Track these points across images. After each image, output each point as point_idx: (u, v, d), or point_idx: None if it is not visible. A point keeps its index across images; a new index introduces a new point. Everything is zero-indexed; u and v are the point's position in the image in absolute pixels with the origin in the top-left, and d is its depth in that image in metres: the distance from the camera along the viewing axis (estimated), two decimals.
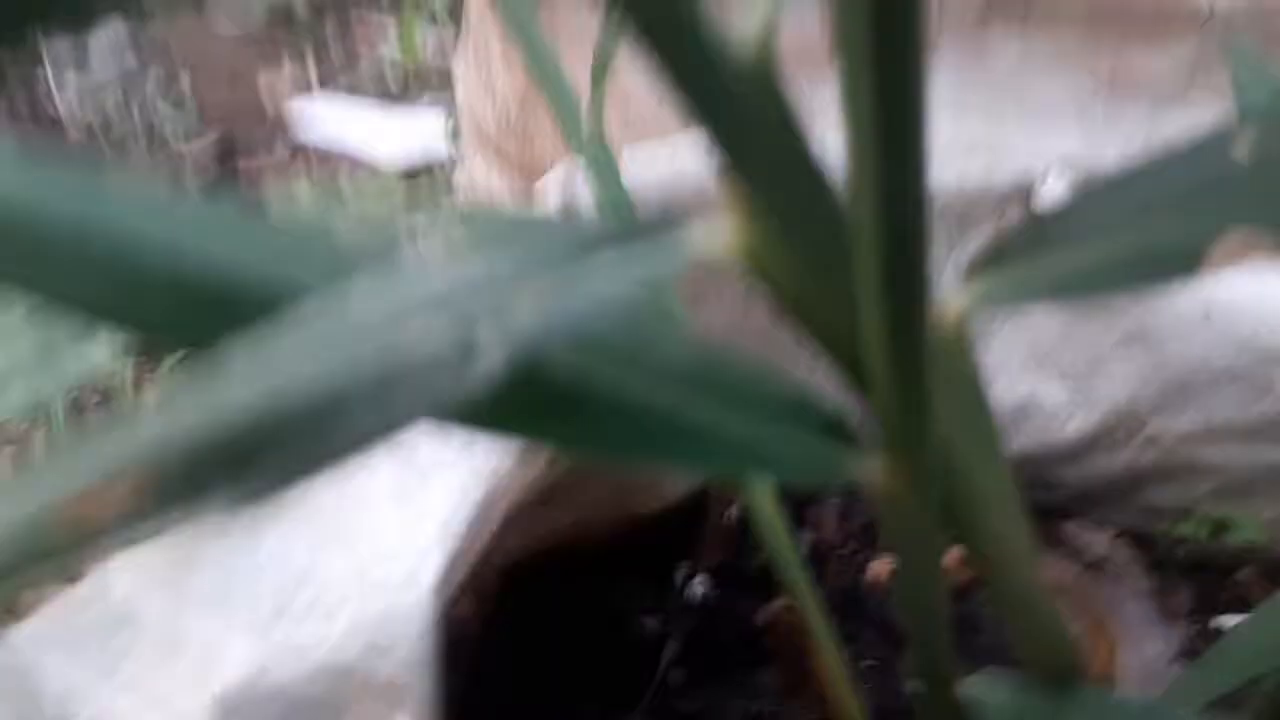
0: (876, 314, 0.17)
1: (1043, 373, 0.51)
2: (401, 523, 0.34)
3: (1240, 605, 0.52)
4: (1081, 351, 0.50)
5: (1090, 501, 0.54)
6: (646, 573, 0.51)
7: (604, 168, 0.36)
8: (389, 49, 1.19)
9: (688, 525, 0.50)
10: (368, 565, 0.34)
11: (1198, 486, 0.51)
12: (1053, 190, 0.47)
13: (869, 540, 0.46)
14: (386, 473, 0.35)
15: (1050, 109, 0.51)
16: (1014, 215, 0.48)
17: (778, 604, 0.38)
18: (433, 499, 0.34)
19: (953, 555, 0.32)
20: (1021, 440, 0.53)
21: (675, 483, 0.46)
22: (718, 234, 0.17)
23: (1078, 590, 0.25)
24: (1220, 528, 0.51)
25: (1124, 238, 0.17)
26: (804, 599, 0.37)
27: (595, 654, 0.48)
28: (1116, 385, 0.49)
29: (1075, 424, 0.51)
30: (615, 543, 0.50)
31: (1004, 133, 0.51)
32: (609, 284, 0.15)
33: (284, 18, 1.23)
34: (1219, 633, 0.53)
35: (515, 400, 0.16)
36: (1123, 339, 0.48)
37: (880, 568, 0.32)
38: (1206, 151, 0.17)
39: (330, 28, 1.23)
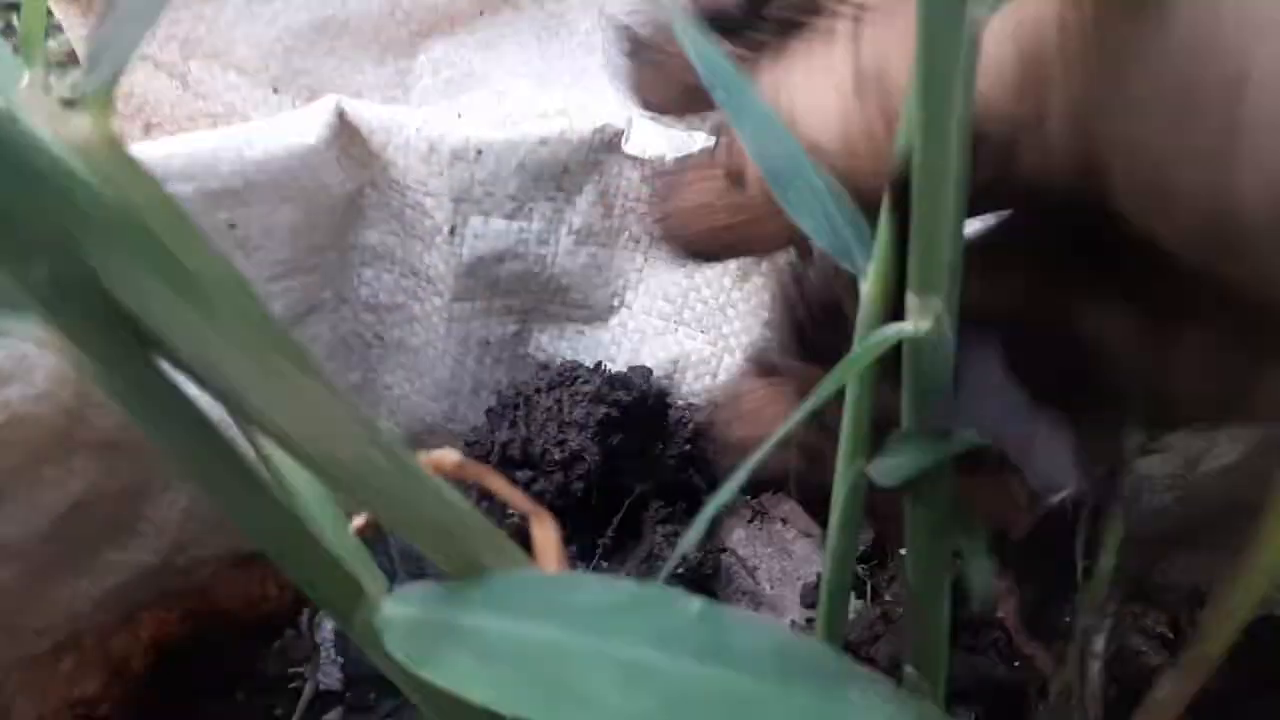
0: None
1: (683, 329, 0.50)
2: None
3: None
4: (708, 299, 0.49)
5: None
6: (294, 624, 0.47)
7: None
8: None
9: None
10: None
11: None
12: (642, 133, 0.47)
13: None
14: None
15: None
16: (610, 164, 0.47)
17: None
18: None
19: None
20: (689, 401, 0.51)
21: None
22: None
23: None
24: None
25: None
26: None
27: (243, 715, 0.44)
28: (746, 323, 0.48)
29: (724, 373, 0.50)
30: (254, 596, 0.46)
31: (588, 93, 0.50)
32: None
33: None
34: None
35: None
36: (738, 276, 0.47)
37: None
38: None
39: None
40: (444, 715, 0.25)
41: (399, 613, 0.21)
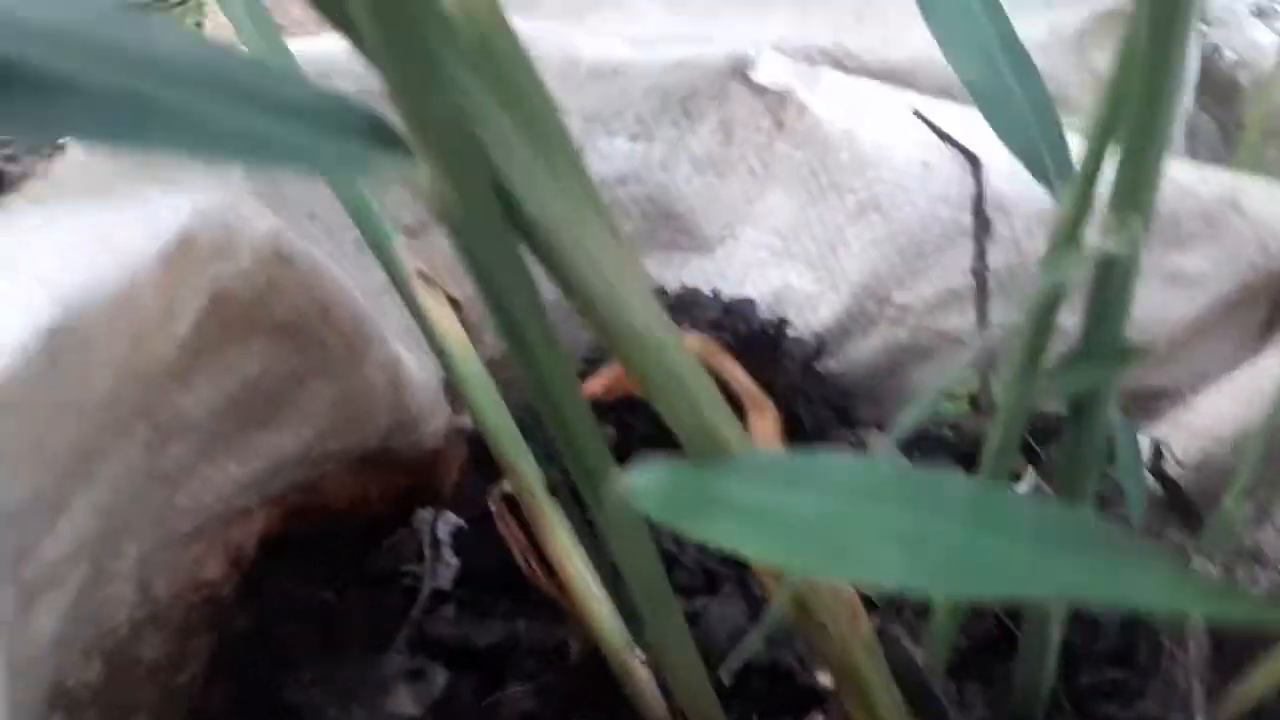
0: None
1: (789, 262, 0.51)
2: None
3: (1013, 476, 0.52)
4: (820, 233, 0.49)
5: (860, 395, 0.54)
6: (407, 522, 0.48)
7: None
8: None
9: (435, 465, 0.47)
10: None
11: (953, 358, 0.52)
12: (771, 65, 0.47)
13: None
14: None
15: None
16: (737, 93, 0.47)
17: (496, 489, 0.35)
18: None
19: (609, 373, 0.30)
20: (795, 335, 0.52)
21: (412, 405, 0.43)
22: None
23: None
24: (975, 401, 0.51)
25: None
26: (528, 477, 0.35)
27: (358, 607, 0.45)
28: (857, 261, 0.49)
29: (826, 309, 0.51)
30: (372, 491, 0.47)
31: (719, 22, 0.50)
32: None
33: None
34: None
35: None
36: (855, 211, 0.48)
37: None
38: None
39: None
40: (645, 585, 0.26)
41: (649, 480, 0.22)
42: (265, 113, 0.15)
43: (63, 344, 0.21)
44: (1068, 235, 0.29)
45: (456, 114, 0.16)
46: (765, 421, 0.24)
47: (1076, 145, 0.28)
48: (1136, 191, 0.26)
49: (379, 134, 0.16)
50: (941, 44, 0.30)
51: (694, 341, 0.23)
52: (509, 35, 0.17)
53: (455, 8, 0.16)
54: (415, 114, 0.15)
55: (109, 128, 0.14)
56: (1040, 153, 0.29)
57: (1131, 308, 0.29)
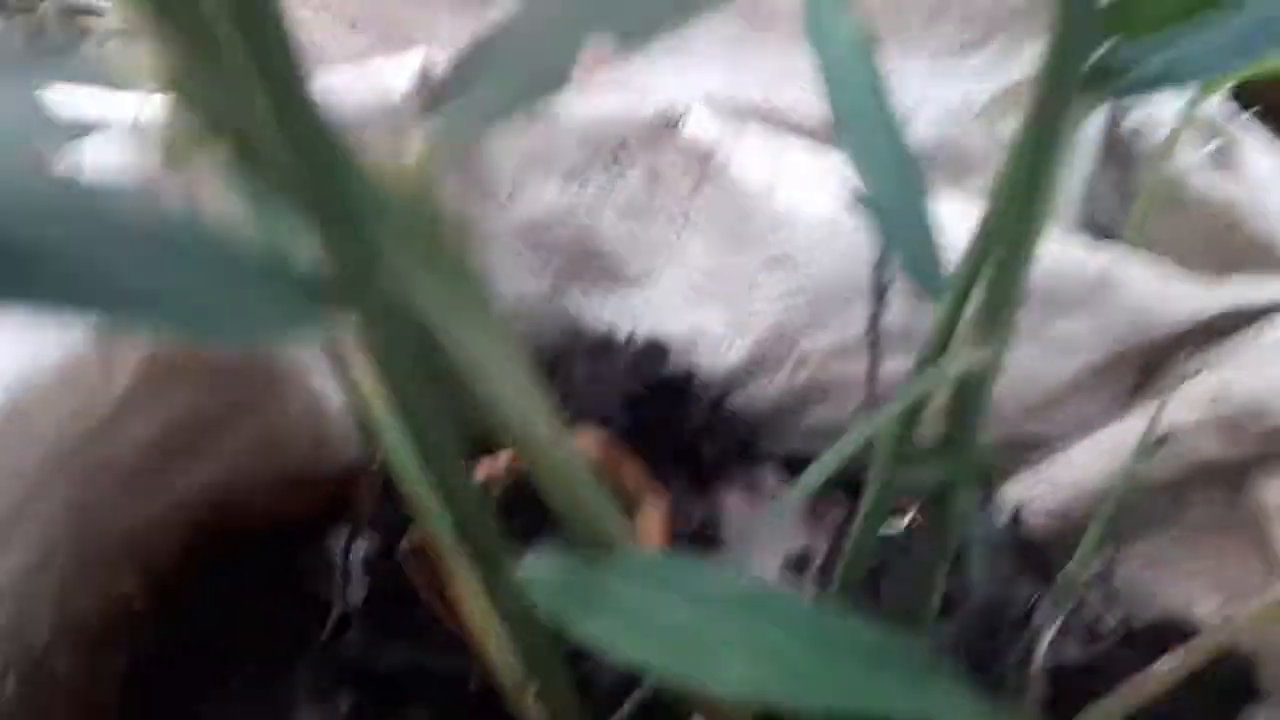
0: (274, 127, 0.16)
1: (704, 305, 0.53)
2: None
3: (899, 512, 0.56)
4: (734, 280, 0.52)
5: (762, 431, 0.57)
6: (317, 541, 0.50)
7: None
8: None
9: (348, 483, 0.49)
10: None
11: (847, 403, 0.55)
12: (700, 119, 0.49)
13: None
14: None
15: (697, 51, 0.53)
16: (665, 144, 0.49)
17: (411, 535, 0.37)
18: None
19: (505, 457, 0.32)
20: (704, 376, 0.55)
21: (332, 430, 0.45)
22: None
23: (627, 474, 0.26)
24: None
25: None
26: (438, 522, 0.37)
27: (267, 625, 0.46)
28: (767, 308, 0.52)
29: (735, 352, 0.53)
30: (285, 510, 0.48)
31: (653, 73, 0.52)
32: None
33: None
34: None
35: None
36: (768, 263, 0.51)
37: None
38: None
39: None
40: (531, 653, 0.29)
41: (543, 570, 0.25)
42: (211, 278, 0.17)
43: (3, 422, 0.22)
44: (938, 346, 0.32)
45: (387, 279, 0.18)
46: (655, 513, 0.27)
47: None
48: (1002, 311, 0.29)
49: (314, 289, 0.18)
50: (851, 158, 0.32)
51: (591, 442, 0.25)
52: (437, 204, 0.19)
53: (386, 180, 0.19)
54: (347, 288, 0.18)
55: (79, 300, 0.16)
56: (921, 267, 0.32)
57: (987, 409, 0.32)
